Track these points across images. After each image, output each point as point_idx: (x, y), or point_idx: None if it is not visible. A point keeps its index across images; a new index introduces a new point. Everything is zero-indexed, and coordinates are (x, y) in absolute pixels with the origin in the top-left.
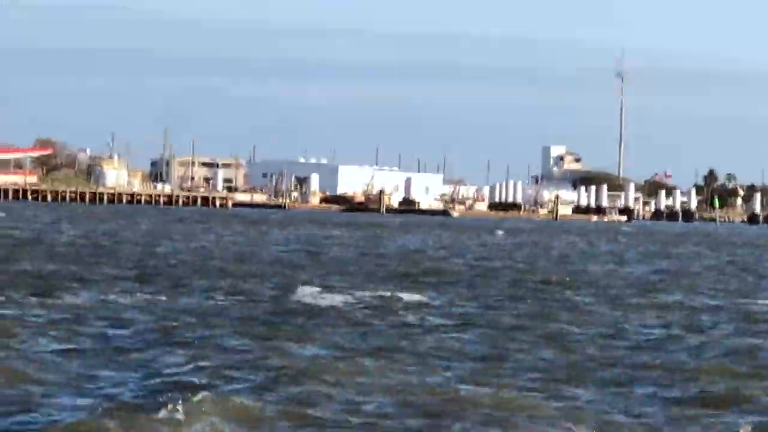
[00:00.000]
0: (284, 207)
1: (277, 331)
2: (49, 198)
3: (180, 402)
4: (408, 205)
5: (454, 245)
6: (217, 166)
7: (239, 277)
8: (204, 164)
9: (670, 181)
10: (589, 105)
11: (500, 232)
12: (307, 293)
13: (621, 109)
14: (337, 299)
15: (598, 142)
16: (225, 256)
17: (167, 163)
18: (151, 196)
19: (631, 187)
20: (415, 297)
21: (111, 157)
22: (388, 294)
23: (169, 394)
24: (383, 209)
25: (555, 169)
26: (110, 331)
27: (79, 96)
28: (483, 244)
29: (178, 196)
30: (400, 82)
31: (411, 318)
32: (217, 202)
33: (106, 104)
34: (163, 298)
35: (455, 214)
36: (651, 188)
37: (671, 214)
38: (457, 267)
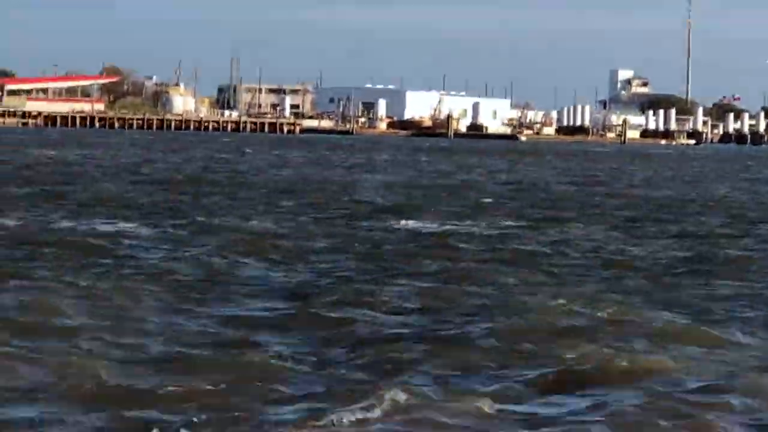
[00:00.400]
0: (352, 132)
1: None
2: (116, 125)
3: None
4: (475, 130)
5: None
6: (284, 92)
7: None
8: (271, 91)
9: (738, 105)
10: (657, 28)
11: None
12: None
13: (688, 32)
14: None
15: (665, 66)
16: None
17: (234, 90)
18: (218, 122)
19: (699, 110)
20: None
21: (178, 84)
22: None
23: None
24: (451, 134)
25: (623, 93)
26: None
27: (146, 23)
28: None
29: (245, 123)
30: (468, 7)
31: None
32: (285, 128)
33: (173, 31)
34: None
35: (523, 138)
36: (719, 112)
37: (740, 138)
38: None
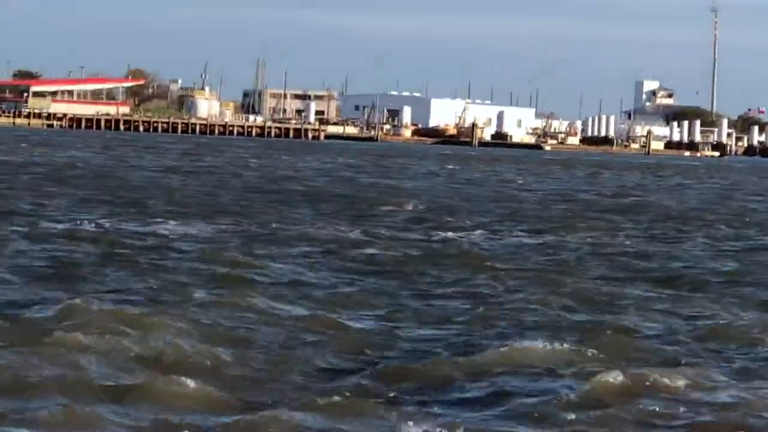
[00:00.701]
0: (376, 139)
1: None
2: (141, 129)
3: None
4: (500, 139)
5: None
6: (309, 98)
7: None
8: (296, 96)
9: (763, 117)
10: (683, 40)
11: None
12: None
13: (714, 44)
14: None
15: (690, 78)
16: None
17: (259, 95)
18: (243, 127)
19: (724, 122)
20: None
21: (203, 87)
22: None
23: None
24: (475, 142)
25: (647, 104)
26: None
27: (172, 26)
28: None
29: (270, 128)
30: (493, 15)
31: None
32: (309, 134)
33: (199, 35)
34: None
35: (547, 147)
36: (744, 124)
37: (764, 150)
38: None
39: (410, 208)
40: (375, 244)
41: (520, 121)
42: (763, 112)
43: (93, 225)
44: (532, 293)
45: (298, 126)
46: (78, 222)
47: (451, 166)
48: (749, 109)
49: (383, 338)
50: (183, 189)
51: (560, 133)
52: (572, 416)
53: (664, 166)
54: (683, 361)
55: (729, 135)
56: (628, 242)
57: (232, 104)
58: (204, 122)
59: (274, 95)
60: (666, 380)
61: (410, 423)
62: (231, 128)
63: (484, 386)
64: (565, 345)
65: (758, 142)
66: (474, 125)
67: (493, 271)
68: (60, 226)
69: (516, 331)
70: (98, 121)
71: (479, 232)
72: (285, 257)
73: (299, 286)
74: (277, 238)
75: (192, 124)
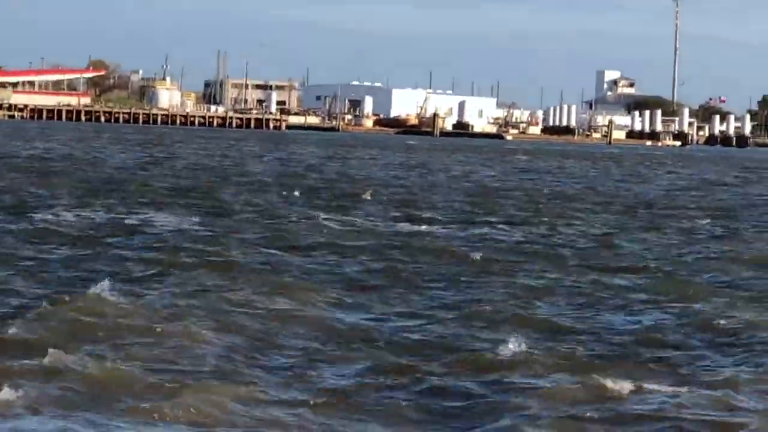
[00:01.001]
0: (338, 129)
1: None
2: (102, 119)
3: None
4: (461, 128)
5: None
6: (271, 88)
7: None
8: (257, 86)
9: (724, 107)
10: (644, 30)
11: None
12: None
13: (676, 34)
14: None
15: (652, 68)
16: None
17: (221, 85)
18: (204, 117)
19: (685, 112)
20: None
21: (164, 78)
22: None
23: None
24: (437, 132)
25: (609, 93)
26: None
27: (133, 17)
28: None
29: (231, 118)
30: (455, 7)
31: None
32: (271, 124)
33: (161, 26)
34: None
35: (509, 137)
36: (705, 114)
37: (725, 140)
38: None
39: (368, 197)
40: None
41: (482, 111)
42: (724, 102)
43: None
44: (485, 285)
45: (260, 116)
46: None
47: (412, 156)
48: (710, 99)
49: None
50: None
51: (522, 122)
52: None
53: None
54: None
55: (690, 124)
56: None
57: (193, 95)
58: (165, 113)
59: (235, 85)
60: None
61: None
62: (192, 119)
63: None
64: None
65: (719, 131)
66: (435, 115)
67: (453, 258)
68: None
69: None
70: (59, 111)
71: (434, 219)
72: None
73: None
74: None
75: (153, 114)
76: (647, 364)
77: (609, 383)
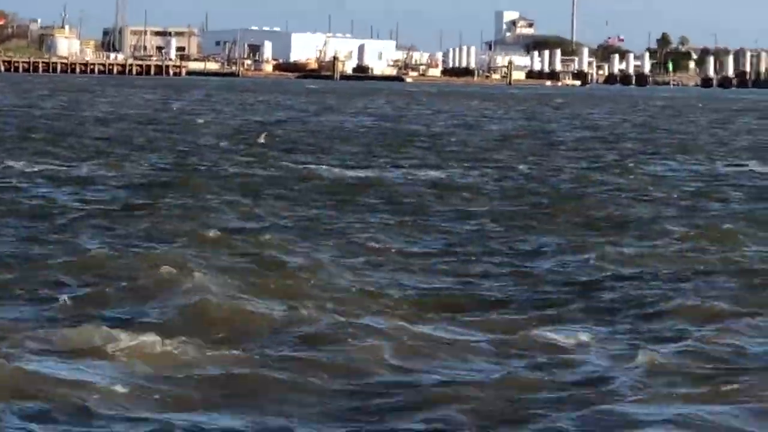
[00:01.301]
0: (238, 75)
1: None
2: (2, 69)
3: None
4: (361, 72)
5: None
6: (170, 35)
7: None
8: (157, 33)
9: (623, 46)
10: None
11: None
12: None
13: None
14: None
15: (550, 7)
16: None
17: (120, 32)
18: (104, 65)
19: (585, 51)
20: None
21: (63, 27)
22: None
23: None
24: (337, 76)
25: (508, 34)
26: None
27: None
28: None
29: (131, 65)
30: None
31: None
32: (171, 71)
33: None
34: None
35: (409, 80)
36: (604, 53)
37: (625, 78)
38: None
39: (262, 140)
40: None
41: (381, 53)
42: (622, 41)
43: None
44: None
45: (159, 63)
46: None
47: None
48: (609, 38)
49: None
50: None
51: (421, 65)
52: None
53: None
54: None
55: (590, 64)
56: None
57: (92, 43)
58: (65, 61)
59: (134, 33)
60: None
61: None
62: (92, 67)
63: None
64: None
65: (619, 70)
66: (335, 59)
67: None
68: None
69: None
70: None
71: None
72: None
73: None
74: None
75: (53, 63)
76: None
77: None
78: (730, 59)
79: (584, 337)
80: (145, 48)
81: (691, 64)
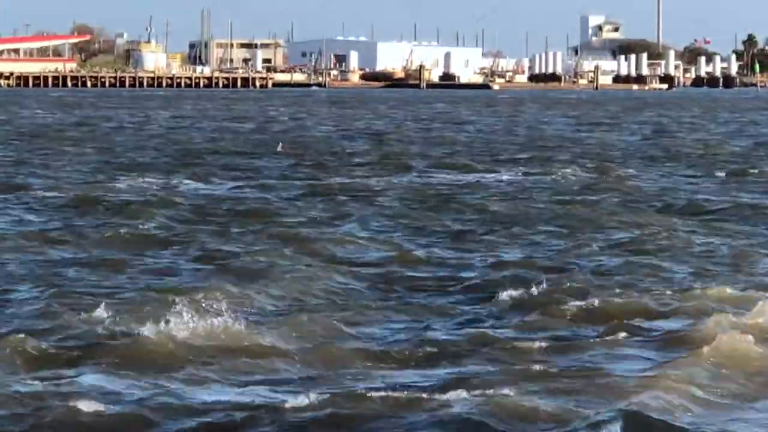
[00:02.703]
0: (324, 85)
1: None
2: (88, 84)
3: None
4: (448, 80)
5: None
6: (256, 46)
7: None
8: (242, 45)
9: (709, 48)
10: None
11: None
12: None
13: None
14: None
15: (636, 11)
16: None
17: (206, 46)
18: (190, 78)
19: (671, 54)
20: None
21: (149, 41)
22: None
23: None
24: (423, 84)
25: (594, 38)
26: None
27: None
28: None
29: (217, 78)
30: None
31: None
32: (257, 83)
33: None
34: None
35: (495, 87)
36: (690, 55)
37: (711, 81)
38: None
39: (279, 149)
40: None
41: (468, 61)
42: (708, 43)
43: None
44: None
45: (246, 75)
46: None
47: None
48: (695, 40)
49: None
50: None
51: (508, 71)
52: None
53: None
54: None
55: (676, 67)
56: None
57: (179, 56)
58: (151, 75)
59: (220, 45)
60: None
61: None
62: (179, 80)
63: None
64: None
65: (705, 72)
66: (421, 67)
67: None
68: None
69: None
70: (45, 78)
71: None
72: None
73: None
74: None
75: (140, 77)
76: None
77: None
78: None
79: None
80: (231, 60)
81: None
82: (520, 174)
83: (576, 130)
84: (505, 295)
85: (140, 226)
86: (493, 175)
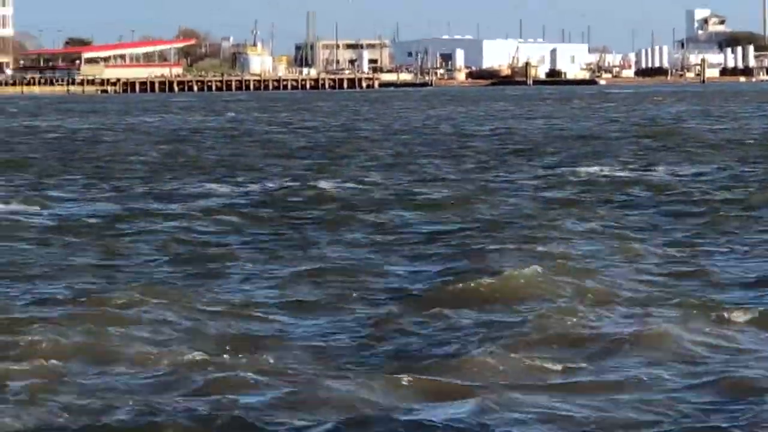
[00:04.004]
0: (430, 84)
1: None
2: (195, 88)
3: None
4: (554, 76)
5: None
6: (362, 47)
7: None
8: (348, 46)
9: None
10: None
11: None
12: None
13: None
14: None
15: (741, 3)
16: None
17: (311, 47)
18: (297, 80)
19: None
20: None
21: (255, 44)
22: None
23: None
24: (530, 81)
25: (700, 32)
26: None
27: None
28: None
29: (324, 80)
30: None
31: None
32: (364, 83)
33: None
34: None
35: (602, 82)
36: None
37: None
38: None
39: None
40: None
41: (574, 57)
42: None
43: None
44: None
45: (352, 76)
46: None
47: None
48: None
49: None
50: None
51: (614, 66)
52: None
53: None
54: None
55: None
56: None
57: (285, 58)
58: (258, 78)
59: (326, 46)
60: None
61: None
62: (285, 82)
63: None
64: None
65: None
66: (527, 64)
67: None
68: None
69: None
70: (152, 83)
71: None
72: None
73: None
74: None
75: (246, 80)
76: None
77: None
78: None
79: None
80: (337, 61)
81: None
82: None
83: None
84: None
85: None
86: None
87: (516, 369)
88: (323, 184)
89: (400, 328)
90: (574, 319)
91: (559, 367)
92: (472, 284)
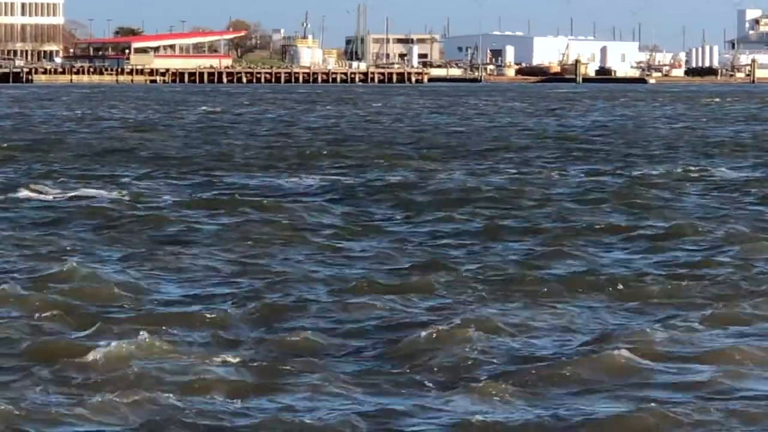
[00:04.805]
0: (480, 80)
1: None
2: (244, 80)
3: None
4: (604, 74)
5: None
6: (412, 41)
7: None
8: (399, 40)
9: None
10: None
11: None
12: None
13: None
14: None
15: None
16: None
17: (362, 41)
18: (346, 74)
19: None
20: None
21: (305, 36)
22: None
23: None
24: (579, 79)
25: (751, 32)
26: None
27: None
28: None
29: (373, 73)
30: None
31: None
32: (413, 78)
33: None
34: None
35: (652, 81)
36: None
37: None
38: None
39: None
40: None
41: (624, 55)
42: None
43: None
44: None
45: (401, 70)
46: None
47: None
48: None
49: None
50: None
51: (664, 65)
52: None
53: None
54: None
55: None
56: None
57: (335, 52)
58: (307, 71)
59: (376, 40)
60: None
61: None
62: (334, 76)
63: None
64: None
65: None
66: (577, 62)
67: None
68: None
69: None
70: (201, 74)
71: None
72: None
73: None
74: None
75: (295, 73)
76: None
77: None
78: None
79: None
80: (387, 56)
81: None
82: None
83: None
84: None
85: None
86: None
87: None
88: None
89: None
90: None
91: None
92: None
